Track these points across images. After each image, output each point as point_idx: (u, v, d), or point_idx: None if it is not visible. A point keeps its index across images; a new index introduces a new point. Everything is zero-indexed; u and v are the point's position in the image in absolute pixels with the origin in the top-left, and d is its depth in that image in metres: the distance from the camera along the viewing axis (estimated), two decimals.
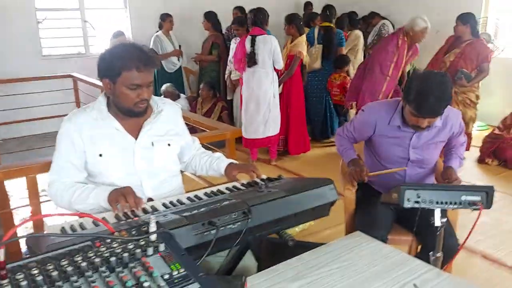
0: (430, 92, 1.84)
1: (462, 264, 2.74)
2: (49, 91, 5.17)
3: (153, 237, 1.03)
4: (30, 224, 2.41)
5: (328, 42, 5.14)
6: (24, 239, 1.49)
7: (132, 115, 1.73)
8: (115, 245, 0.99)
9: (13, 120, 5.06)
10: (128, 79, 1.62)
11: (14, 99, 5.11)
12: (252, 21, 4.44)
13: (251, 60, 4.31)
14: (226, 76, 5.39)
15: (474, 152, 4.85)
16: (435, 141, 2.14)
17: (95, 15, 6.59)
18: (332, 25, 5.25)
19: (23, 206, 2.42)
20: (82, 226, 1.39)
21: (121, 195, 1.51)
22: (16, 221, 2.51)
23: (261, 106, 4.43)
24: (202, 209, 1.37)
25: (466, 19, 4.18)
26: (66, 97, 5.22)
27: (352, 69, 5.60)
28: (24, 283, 0.87)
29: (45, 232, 1.47)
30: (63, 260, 0.94)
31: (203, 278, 0.91)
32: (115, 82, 1.65)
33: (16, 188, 3.05)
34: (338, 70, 5.25)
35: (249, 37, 4.36)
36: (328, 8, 5.36)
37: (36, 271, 0.90)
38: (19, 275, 0.89)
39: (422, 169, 2.21)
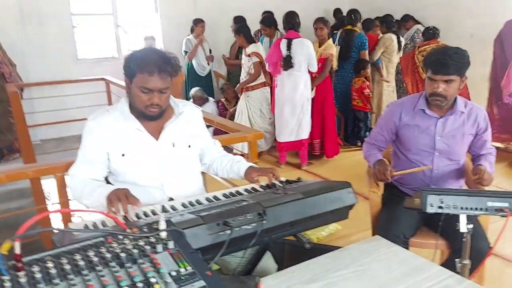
0: (445, 52, 2.00)
1: (496, 273, 2.62)
2: (84, 93, 5.35)
3: (163, 234, 1.04)
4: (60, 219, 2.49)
5: (346, 44, 5.17)
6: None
7: (145, 118, 1.76)
8: (126, 242, 1.01)
9: (50, 122, 5.25)
10: (140, 82, 1.67)
11: (51, 101, 5.31)
12: (286, 25, 4.47)
13: (287, 63, 4.32)
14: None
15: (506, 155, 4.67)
16: (462, 131, 2.14)
17: (127, 19, 6.78)
18: (355, 28, 5.21)
19: (53, 204, 2.51)
20: (104, 224, 1.44)
21: (116, 197, 1.53)
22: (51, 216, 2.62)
23: (296, 109, 4.46)
24: (218, 210, 1.38)
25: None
26: (100, 99, 5.38)
27: (385, 73, 5.52)
28: (38, 275, 0.90)
29: (69, 228, 1.52)
30: (76, 254, 0.97)
31: (210, 276, 0.92)
32: (132, 82, 1.70)
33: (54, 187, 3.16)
34: (357, 74, 5.23)
35: (284, 40, 4.38)
36: (353, 12, 5.35)
37: (50, 264, 0.93)
38: (34, 267, 0.92)
39: (450, 161, 2.19)
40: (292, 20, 4.44)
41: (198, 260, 0.97)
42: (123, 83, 4.75)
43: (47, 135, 6.07)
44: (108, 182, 1.86)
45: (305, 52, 4.33)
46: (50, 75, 5.67)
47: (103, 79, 5.38)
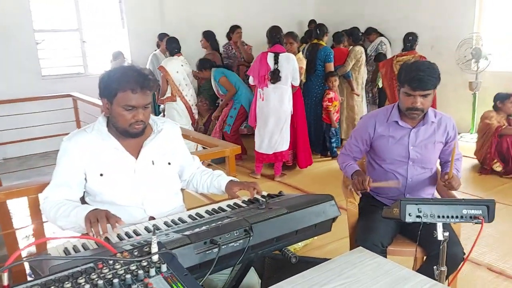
0: (419, 67, 2.05)
1: (467, 276, 2.72)
2: (49, 110, 5.20)
3: (155, 257, 1.02)
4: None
5: (311, 57, 5.28)
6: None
7: (128, 136, 1.74)
8: (117, 267, 0.99)
9: (14, 140, 5.07)
10: (123, 100, 1.65)
11: (15, 119, 5.13)
12: (272, 39, 4.49)
13: (275, 76, 4.37)
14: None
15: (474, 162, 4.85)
16: (433, 140, 2.22)
17: (93, 35, 6.66)
18: (321, 41, 5.33)
19: (25, 227, 2.41)
20: (84, 247, 1.39)
21: (95, 218, 1.50)
22: (20, 240, 2.49)
23: (281, 122, 4.51)
24: (204, 227, 1.37)
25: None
26: (66, 116, 5.25)
27: (355, 85, 5.65)
28: None
29: (47, 253, 1.47)
30: (66, 282, 0.94)
31: None
32: (112, 103, 1.68)
33: (19, 207, 3.04)
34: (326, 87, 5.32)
35: (271, 54, 4.41)
36: (318, 26, 5.47)
37: None
38: None
39: (423, 169, 2.26)
40: (277, 34, 4.49)
41: (193, 283, 0.96)
42: (91, 100, 4.70)
43: (10, 153, 5.86)
44: (84, 202, 1.81)
45: (291, 66, 4.41)
46: (13, 93, 5.48)
47: (69, 95, 5.25)
